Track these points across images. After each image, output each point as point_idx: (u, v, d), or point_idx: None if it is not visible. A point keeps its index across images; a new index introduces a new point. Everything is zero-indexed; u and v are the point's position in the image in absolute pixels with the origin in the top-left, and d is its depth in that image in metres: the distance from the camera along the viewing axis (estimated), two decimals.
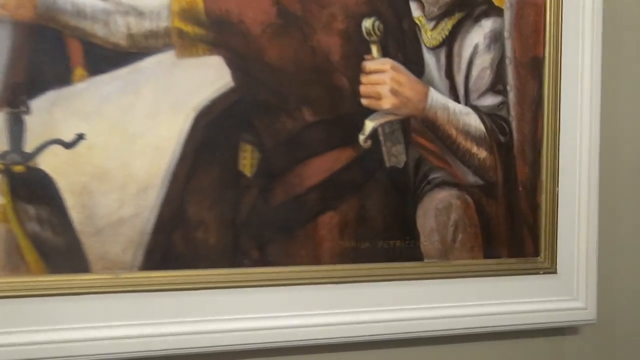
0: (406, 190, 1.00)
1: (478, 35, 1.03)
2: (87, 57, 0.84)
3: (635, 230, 1.18)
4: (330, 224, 0.96)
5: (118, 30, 0.85)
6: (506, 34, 1.04)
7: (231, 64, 0.90)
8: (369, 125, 0.97)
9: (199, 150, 0.89)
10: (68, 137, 0.84)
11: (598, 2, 1.07)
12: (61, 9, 0.82)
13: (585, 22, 1.07)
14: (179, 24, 0.88)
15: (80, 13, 0.83)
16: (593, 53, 1.08)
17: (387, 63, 0.98)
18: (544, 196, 1.07)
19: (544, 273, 1.07)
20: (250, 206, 0.92)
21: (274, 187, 0.93)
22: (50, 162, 0.83)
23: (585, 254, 1.08)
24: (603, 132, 1.09)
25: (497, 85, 1.05)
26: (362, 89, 0.97)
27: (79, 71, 0.84)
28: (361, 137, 0.97)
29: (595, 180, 1.09)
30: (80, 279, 0.85)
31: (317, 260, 0.95)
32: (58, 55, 0.83)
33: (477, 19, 1.03)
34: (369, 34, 0.96)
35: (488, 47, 1.03)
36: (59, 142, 0.83)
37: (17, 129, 0.82)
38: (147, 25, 0.86)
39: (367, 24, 0.96)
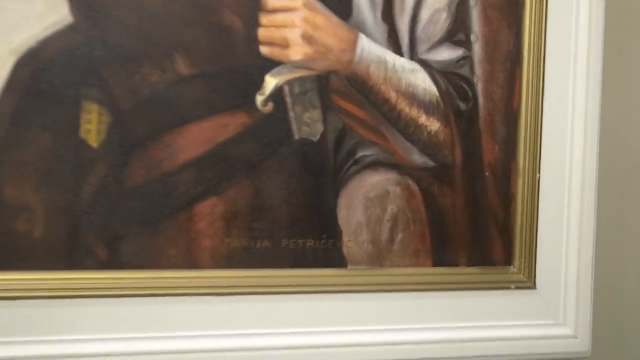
0: (323, 171, 0.77)
1: None
2: None
3: None
4: (211, 214, 0.73)
5: None
6: None
7: None
8: (271, 82, 0.74)
9: (20, 108, 0.68)
10: None
11: None
12: None
13: None
14: None
15: None
16: None
17: None
18: (520, 184, 0.83)
19: (517, 288, 0.83)
20: (97, 188, 0.70)
21: (131, 163, 0.71)
22: None
23: (576, 264, 0.84)
24: (605, 99, 0.84)
25: (456, 33, 0.80)
26: (262, 32, 0.74)
27: None
28: (259, 98, 0.74)
29: (591, 163, 0.84)
30: None
31: (192, 264, 0.73)
32: None
33: None
34: None
35: None
36: None
37: None
38: None
39: None
